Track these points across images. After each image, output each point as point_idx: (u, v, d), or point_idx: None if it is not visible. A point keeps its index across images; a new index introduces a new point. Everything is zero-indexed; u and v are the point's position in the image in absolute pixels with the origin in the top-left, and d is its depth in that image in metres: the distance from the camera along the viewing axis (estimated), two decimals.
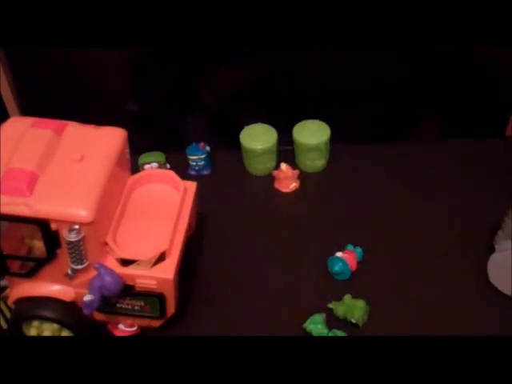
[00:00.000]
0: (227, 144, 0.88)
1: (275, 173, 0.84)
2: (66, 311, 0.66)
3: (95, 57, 1.10)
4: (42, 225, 0.59)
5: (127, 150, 0.69)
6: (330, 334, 0.68)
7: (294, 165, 0.86)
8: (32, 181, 0.59)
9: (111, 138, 0.66)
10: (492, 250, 0.74)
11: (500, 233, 0.74)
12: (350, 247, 0.77)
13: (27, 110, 1.15)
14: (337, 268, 0.74)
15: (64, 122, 0.65)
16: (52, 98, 1.35)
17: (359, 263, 0.75)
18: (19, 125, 0.64)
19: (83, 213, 0.59)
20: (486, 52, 0.86)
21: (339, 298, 0.71)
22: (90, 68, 1.37)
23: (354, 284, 0.74)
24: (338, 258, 0.74)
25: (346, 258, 0.74)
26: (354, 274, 0.75)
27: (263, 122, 0.85)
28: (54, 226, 0.60)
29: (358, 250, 0.76)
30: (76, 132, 0.65)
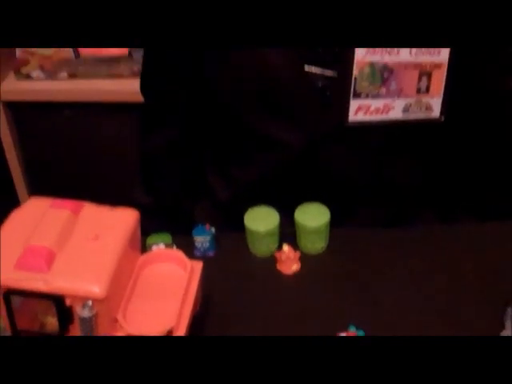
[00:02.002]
0: (232, 226, 0.92)
1: (277, 254, 0.88)
2: None
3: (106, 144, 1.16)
4: (57, 300, 0.63)
5: (139, 231, 0.73)
6: None
7: (295, 246, 0.89)
8: (50, 258, 0.63)
9: (125, 219, 0.70)
10: (502, 327, 0.75)
11: (510, 310, 0.76)
12: (352, 328, 0.78)
13: (35, 189, 1.20)
14: None
15: (81, 203, 0.70)
16: (59, 176, 1.40)
17: None
18: (39, 205, 0.68)
19: (97, 289, 0.62)
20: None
21: None
22: (100, 152, 1.43)
23: None
24: None
25: None
26: None
27: (266, 204, 0.89)
28: (68, 302, 0.63)
29: (361, 331, 0.77)
30: (92, 212, 0.69)
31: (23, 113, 1.47)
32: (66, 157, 1.48)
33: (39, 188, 1.39)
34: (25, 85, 1.41)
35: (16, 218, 0.67)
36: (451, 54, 0.77)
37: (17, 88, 1.42)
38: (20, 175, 1.49)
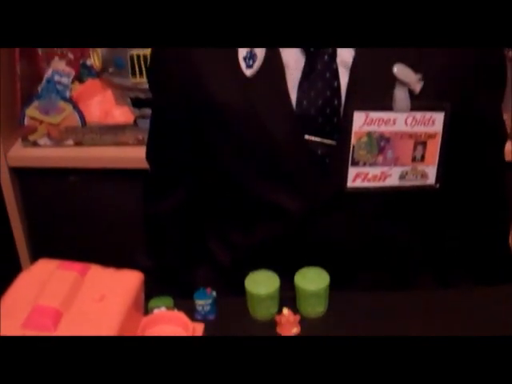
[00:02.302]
0: (232, 290, 0.93)
1: (277, 318, 0.89)
2: None
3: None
4: None
5: (143, 293, 0.74)
6: None
7: (295, 310, 0.90)
8: (57, 317, 0.64)
9: (129, 281, 0.71)
10: None
11: None
12: None
13: (38, 253, 1.21)
14: None
15: (88, 264, 0.72)
16: (62, 241, 1.42)
17: None
18: (47, 266, 0.70)
19: None
20: None
21: None
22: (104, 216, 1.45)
23: None
24: None
25: None
26: None
27: (267, 268, 0.91)
28: None
29: None
30: (98, 274, 0.71)
31: (28, 178, 1.50)
32: (69, 222, 1.51)
33: (41, 252, 1.41)
34: (32, 151, 1.45)
35: (25, 278, 0.69)
36: (445, 125, 0.81)
37: (24, 154, 1.45)
38: (23, 239, 1.51)
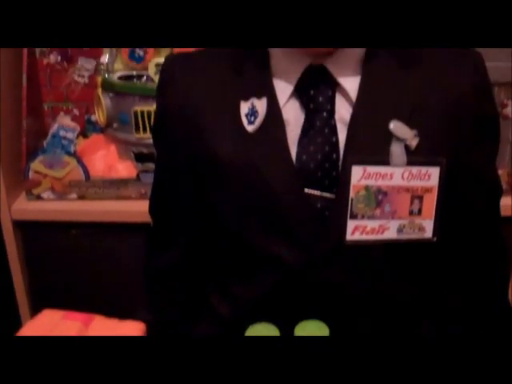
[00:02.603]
0: None
1: None
2: None
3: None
4: None
5: None
6: None
7: None
8: None
9: (132, 332, 0.72)
10: None
11: None
12: None
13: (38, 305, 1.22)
14: None
15: (91, 315, 0.72)
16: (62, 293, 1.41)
17: None
18: (51, 317, 0.71)
19: None
20: None
21: None
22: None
23: None
24: None
25: None
26: None
27: (267, 320, 0.92)
28: None
29: None
30: (102, 324, 0.71)
31: (31, 231, 1.51)
32: (70, 274, 1.51)
33: (41, 304, 1.41)
34: (35, 205, 1.47)
35: (29, 328, 0.70)
36: (440, 179, 0.83)
37: (27, 208, 1.47)
38: (23, 291, 1.52)
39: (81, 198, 1.46)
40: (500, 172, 1.05)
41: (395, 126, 0.81)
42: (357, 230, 0.83)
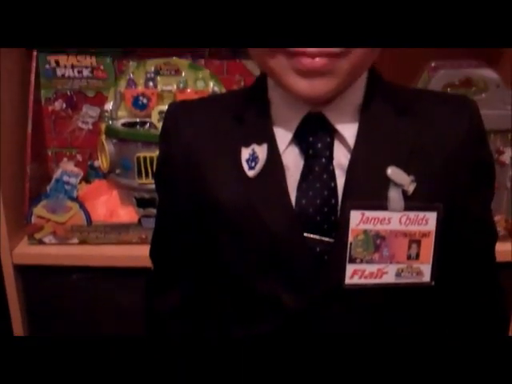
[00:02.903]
0: None
1: None
2: None
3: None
4: None
5: None
6: None
7: None
8: None
9: None
10: None
11: None
12: None
13: None
14: None
15: None
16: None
17: None
18: None
19: None
20: None
21: None
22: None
23: None
24: None
25: None
26: None
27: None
28: None
29: None
30: None
31: (32, 275, 1.52)
32: (71, 319, 1.51)
33: None
34: (36, 249, 1.47)
35: None
36: (438, 224, 0.84)
37: (29, 252, 1.47)
38: (23, 335, 1.51)
39: (82, 242, 1.47)
40: (497, 218, 1.07)
41: (393, 171, 0.83)
42: (356, 274, 0.84)
